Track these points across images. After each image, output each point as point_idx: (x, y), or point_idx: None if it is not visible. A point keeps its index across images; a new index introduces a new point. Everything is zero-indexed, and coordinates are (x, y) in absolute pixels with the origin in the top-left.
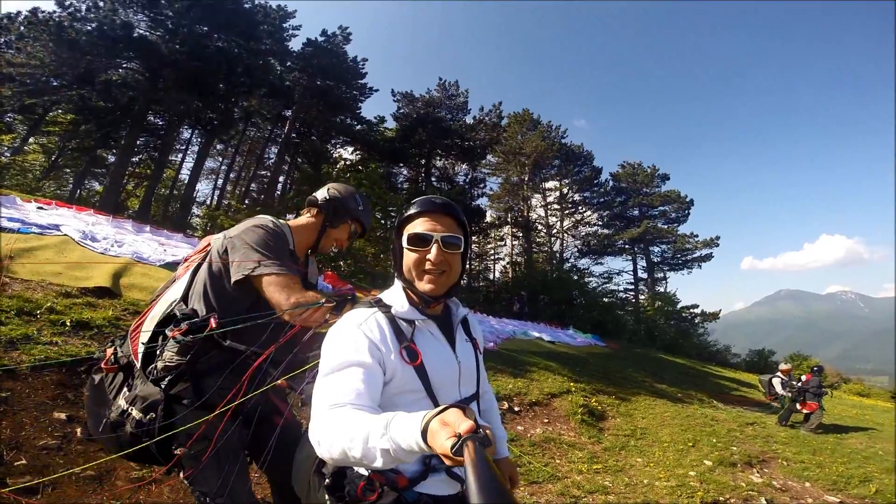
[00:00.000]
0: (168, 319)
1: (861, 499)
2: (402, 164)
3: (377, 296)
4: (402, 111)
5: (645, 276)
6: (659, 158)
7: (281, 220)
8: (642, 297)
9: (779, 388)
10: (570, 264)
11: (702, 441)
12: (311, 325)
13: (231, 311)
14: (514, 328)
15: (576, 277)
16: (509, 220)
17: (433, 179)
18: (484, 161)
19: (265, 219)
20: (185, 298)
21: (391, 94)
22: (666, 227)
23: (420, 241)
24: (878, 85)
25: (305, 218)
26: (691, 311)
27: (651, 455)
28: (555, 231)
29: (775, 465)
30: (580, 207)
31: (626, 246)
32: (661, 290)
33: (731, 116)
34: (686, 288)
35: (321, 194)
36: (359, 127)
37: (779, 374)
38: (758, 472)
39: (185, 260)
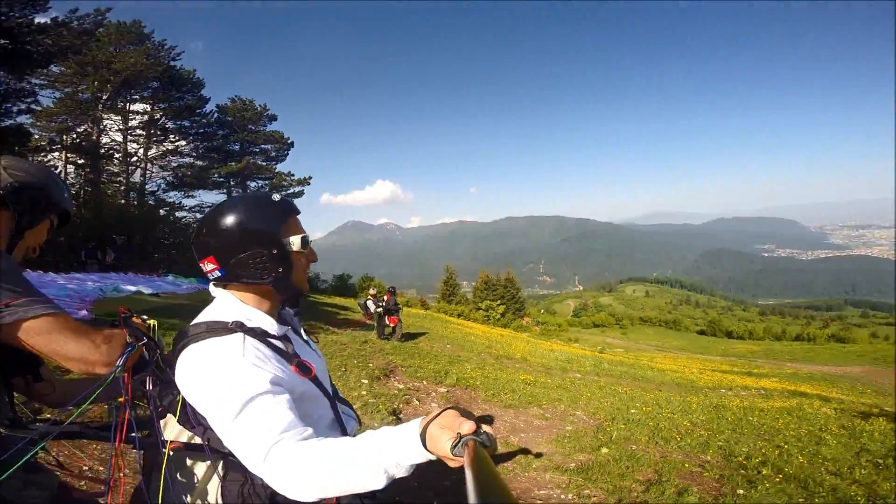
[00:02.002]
0: None
1: (451, 387)
2: None
3: (235, 319)
4: None
5: None
6: (270, 97)
7: None
8: None
9: (372, 308)
10: (155, 198)
11: (349, 364)
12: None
13: None
14: (99, 285)
15: (163, 212)
16: (66, 142)
17: None
18: (40, 70)
19: None
20: None
21: None
22: (265, 164)
23: (307, 243)
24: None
25: None
26: None
27: None
28: (135, 159)
29: (399, 371)
30: (172, 136)
31: (222, 180)
32: None
33: (331, 67)
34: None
35: None
36: None
37: (370, 296)
38: (395, 379)
39: None
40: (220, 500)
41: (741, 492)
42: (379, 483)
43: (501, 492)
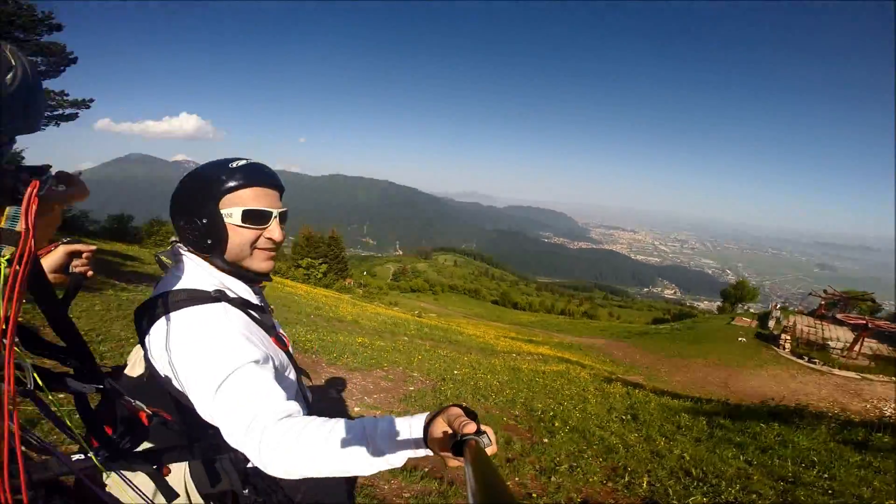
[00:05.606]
0: None
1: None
2: None
3: (216, 287)
4: None
5: None
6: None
7: None
8: None
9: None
10: None
11: None
12: None
13: None
14: None
15: None
16: None
17: None
18: None
19: None
20: None
21: None
22: None
23: (258, 218)
24: None
25: None
26: None
27: None
28: None
29: None
30: None
31: None
32: None
33: None
34: (34, 147)
35: None
36: None
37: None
38: None
39: None
40: (188, 478)
41: (546, 440)
42: (369, 470)
43: (502, 492)
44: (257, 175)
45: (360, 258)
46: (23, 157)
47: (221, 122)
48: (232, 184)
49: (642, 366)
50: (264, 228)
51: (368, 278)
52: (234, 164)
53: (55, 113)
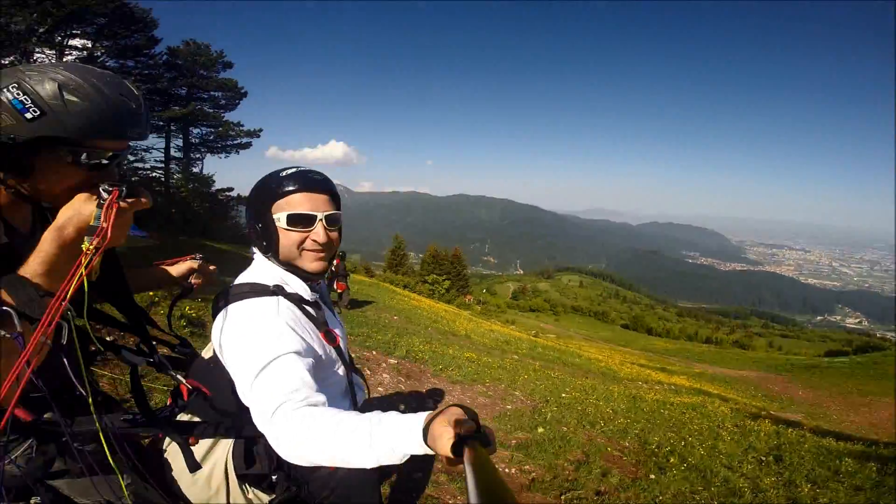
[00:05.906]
0: None
1: (401, 359)
2: None
3: (276, 283)
4: None
5: (180, 155)
6: (228, 45)
7: None
8: (176, 177)
9: None
10: None
11: None
12: None
13: None
14: None
15: None
16: None
17: None
18: None
19: None
20: None
21: None
22: (212, 111)
23: (302, 221)
24: None
25: None
26: (226, 194)
27: None
28: None
29: (350, 340)
30: None
31: (161, 124)
32: (197, 171)
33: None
34: (220, 171)
35: None
36: None
37: None
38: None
39: None
40: (229, 458)
41: (653, 476)
42: (369, 463)
43: (502, 492)
44: (303, 181)
45: (481, 276)
46: (213, 180)
47: (363, 148)
48: (280, 190)
49: (804, 402)
50: (309, 231)
51: (488, 296)
52: (284, 173)
53: (234, 142)
